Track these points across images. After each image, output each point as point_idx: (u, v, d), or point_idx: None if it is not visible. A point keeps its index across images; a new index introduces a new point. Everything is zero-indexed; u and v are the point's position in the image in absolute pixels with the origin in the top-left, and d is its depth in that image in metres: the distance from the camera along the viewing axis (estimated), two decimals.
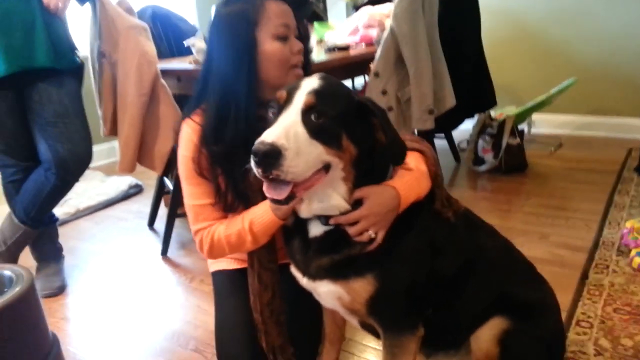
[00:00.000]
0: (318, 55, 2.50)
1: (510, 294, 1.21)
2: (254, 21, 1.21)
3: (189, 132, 1.28)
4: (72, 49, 1.93)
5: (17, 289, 1.17)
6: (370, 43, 2.83)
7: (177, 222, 2.42)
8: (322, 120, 0.96)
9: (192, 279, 2.11)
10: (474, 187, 3.07)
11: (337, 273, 1.09)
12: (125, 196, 3.13)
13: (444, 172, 3.27)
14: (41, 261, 2.11)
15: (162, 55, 2.89)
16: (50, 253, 2.12)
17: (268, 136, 0.91)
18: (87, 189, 3.15)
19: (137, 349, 1.70)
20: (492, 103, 3.14)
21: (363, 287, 1.08)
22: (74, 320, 1.90)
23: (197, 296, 1.97)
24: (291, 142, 0.91)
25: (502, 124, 3.18)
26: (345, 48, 2.74)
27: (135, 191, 3.20)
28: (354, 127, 1.01)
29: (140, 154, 2.10)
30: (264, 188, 0.96)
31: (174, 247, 2.40)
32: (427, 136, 3.05)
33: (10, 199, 2.01)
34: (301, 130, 0.94)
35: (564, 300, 1.78)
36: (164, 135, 2.07)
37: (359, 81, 3.79)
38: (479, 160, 3.31)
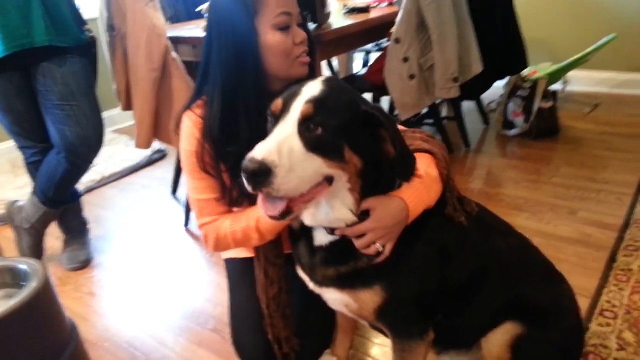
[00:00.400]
0: (336, 19, 2.39)
1: (524, 298, 1.17)
2: (253, 10, 1.12)
3: (190, 126, 1.22)
4: (78, 24, 1.86)
5: (34, 284, 1.20)
6: (391, 2, 2.69)
7: None
8: (321, 132, 0.89)
9: (212, 253, 2.14)
10: (502, 154, 2.97)
11: (343, 283, 1.06)
12: (149, 162, 3.16)
13: (472, 135, 3.18)
14: (68, 234, 2.17)
15: (180, 19, 2.82)
16: (76, 227, 2.17)
17: (258, 152, 0.86)
18: (113, 155, 3.18)
19: (159, 327, 1.75)
20: (524, 66, 2.97)
21: (370, 297, 1.05)
22: (99, 295, 1.97)
23: (216, 272, 2.00)
24: (284, 157, 0.86)
25: (534, 86, 3.02)
26: (365, 9, 2.60)
27: (159, 156, 3.22)
28: (358, 137, 0.93)
29: (156, 129, 2.08)
30: (258, 202, 0.93)
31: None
32: (453, 103, 2.94)
33: (33, 179, 2.03)
34: (297, 143, 0.88)
35: (588, 286, 1.74)
36: (179, 110, 2.04)
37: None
38: (508, 124, 3.18)
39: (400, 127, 1.26)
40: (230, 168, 1.18)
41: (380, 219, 0.99)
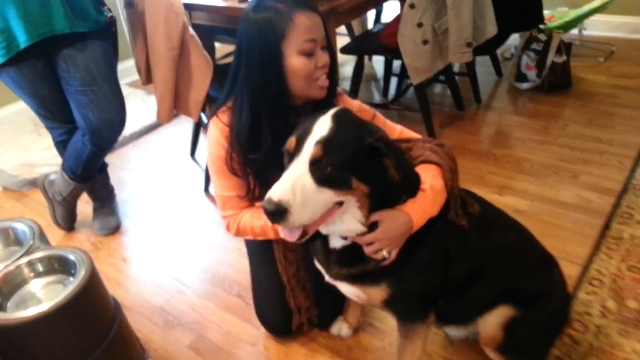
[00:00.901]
0: None
1: (518, 286, 1.31)
2: (281, 34, 1.19)
3: (217, 134, 1.33)
4: (95, 7, 1.88)
5: (83, 272, 1.36)
6: None
7: None
8: (330, 170, 1.00)
9: None
10: (512, 111, 3.01)
11: (354, 280, 1.21)
12: None
13: (484, 88, 3.21)
14: (97, 202, 2.32)
15: None
16: (104, 195, 2.32)
17: (275, 194, 0.98)
18: (130, 112, 3.22)
19: (188, 292, 1.93)
20: (539, 22, 2.94)
21: (378, 292, 1.21)
22: (130, 260, 2.14)
23: (237, 239, 2.13)
24: (297, 195, 0.98)
25: (548, 40, 3.00)
26: None
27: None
28: (364, 168, 1.04)
29: (176, 103, 2.17)
30: (279, 230, 1.06)
31: None
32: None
33: (62, 156, 2.16)
34: (308, 181, 0.99)
35: (581, 253, 1.88)
36: (197, 85, 2.12)
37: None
38: (521, 77, 3.20)
39: (410, 136, 1.36)
40: (254, 172, 1.30)
41: (387, 230, 1.12)
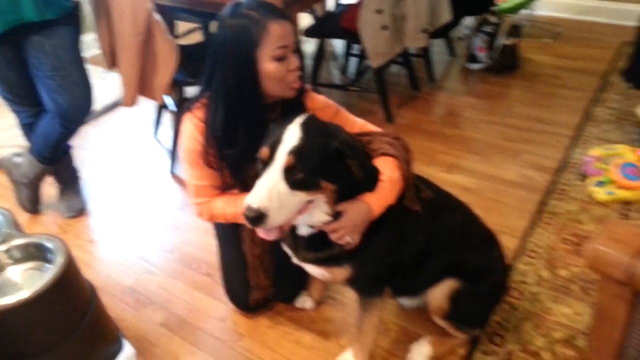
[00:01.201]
0: None
1: (463, 262, 1.47)
2: (256, 42, 1.27)
3: (192, 129, 1.41)
4: None
5: (61, 258, 1.43)
6: None
7: None
8: (302, 176, 1.12)
9: None
10: (463, 91, 3.18)
11: (320, 262, 1.35)
12: None
13: (438, 68, 3.37)
14: (62, 184, 2.34)
15: None
16: (69, 177, 2.35)
17: (254, 201, 1.09)
18: None
19: (157, 272, 2.02)
20: (490, 5, 3.09)
21: (341, 272, 1.35)
22: (97, 242, 2.20)
23: None
24: (274, 201, 1.10)
25: (499, 23, 3.16)
26: None
27: None
28: (331, 170, 1.17)
29: (142, 87, 2.20)
30: (257, 231, 1.18)
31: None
32: None
33: (28, 139, 2.19)
34: (283, 187, 1.11)
35: (520, 227, 2.07)
36: (162, 69, 2.16)
37: None
38: (473, 58, 3.36)
39: (370, 130, 1.48)
40: (229, 165, 1.40)
41: (350, 219, 1.25)
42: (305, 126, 1.16)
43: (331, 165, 1.17)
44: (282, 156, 1.12)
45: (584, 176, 2.30)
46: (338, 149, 1.17)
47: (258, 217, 1.09)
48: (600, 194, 2.14)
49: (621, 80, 3.03)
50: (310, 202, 1.19)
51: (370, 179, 1.23)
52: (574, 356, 1.55)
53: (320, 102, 1.51)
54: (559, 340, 1.61)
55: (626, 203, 2.14)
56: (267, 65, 1.30)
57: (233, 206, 1.44)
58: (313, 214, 1.25)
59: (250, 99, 1.33)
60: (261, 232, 1.19)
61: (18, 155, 2.30)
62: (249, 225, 1.14)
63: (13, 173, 2.26)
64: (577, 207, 2.15)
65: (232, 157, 1.38)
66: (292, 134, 1.15)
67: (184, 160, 1.47)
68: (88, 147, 2.84)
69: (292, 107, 1.41)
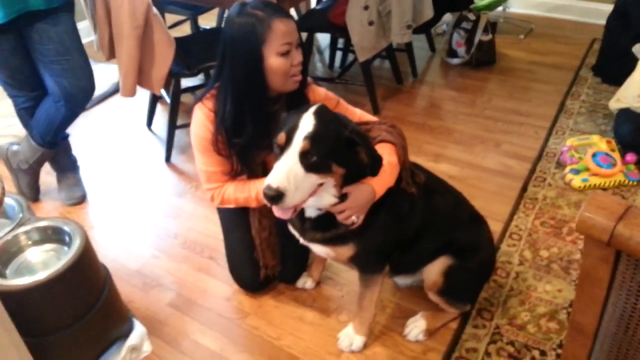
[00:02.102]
0: None
1: (455, 240, 1.60)
2: (261, 39, 1.38)
3: (203, 118, 1.51)
4: None
5: (78, 241, 1.50)
6: None
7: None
8: (316, 159, 1.23)
9: (197, 187, 2.44)
10: (444, 84, 3.32)
11: (326, 241, 1.46)
12: (117, 88, 3.27)
13: (419, 63, 3.49)
14: (60, 173, 2.39)
15: None
16: (67, 165, 2.39)
17: (273, 181, 1.20)
18: None
19: (162, 256, 2.09)
20: (469, 3, 3.24)
21: (346, 250, 1.47)
22: (100, 229, 2.26)
23: (204, 206, 2.32)
24: (291, 182, 1.20)
25: (477, 20, 3.31)
26: None
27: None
28: (341, 155, 1.28)
29: (140, 78, 2.26)
30: (274, 210, 1.28)
31: (175, 152, 2.68)
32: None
33: (25, 123, 2.23)
34: (299, 169, 1.22)
35: (502, 212, 2.22)
36: (160, 61, 2.22)
37: None
38: (452, 53, 3.50)
39: (369, 119, 1.60)
40: (237, 152, 1.50)
41: (355, 199, 1.36)
42: (318, 115, 1.27)
43: (342, 150, 1.28)
44: (298, 141, 1.23)
45: (560, 164, 2.47)
46: (348, 136, 1.28)
47: (277, 195, 1.19)
48: (576, 180, 2.31)
49: (591, 75, 3.23)
50: (320, 185, 1.30)
51: (375, 164, 1.35)
52: (556, 328, 1.70)
53: (322, 95, 1.62)
54: (543, 314, 1.76)
55: (600, 189, 2.31)
56: (273, 61, 1.40)
57: (243, 192, 1.55)
58: (322, 196, 1.35)
59: (257, 92, 1.44)
60: (277, 211, 1.29)
61: (14, 144, 2.34)
62: (267, 204, 1.23)
63: (11, 161, 2.30)
64: (555, 193, 2.31)
65: (240, 145, 1.49)
66: (307, 121, 1.25)
67: (195, 147, 1.56)
68: (82, 137, 2.87)
69: (295, 99, 1.52)
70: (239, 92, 1.44)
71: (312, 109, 1.28)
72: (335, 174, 1.30)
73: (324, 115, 1.28)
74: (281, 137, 1.25)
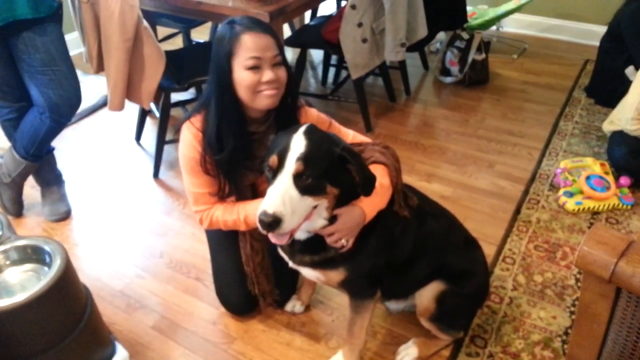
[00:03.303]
0: None
1: (448, 265, 1.56)
2: (230, 51, 1.37)
3: (190, 138, 1.47)
4: None
5: (59, 261, 1.44)
6: None
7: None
8: (310, 181, 1.19)
9: (184, 204, 2.39)
10: (437, 103, 3.30)
11: (316, 265, 1.41)
12: (106, 101, 3.22)
13: (412, 81, 3.48)
14: (44, 187, 2.33)
15: None
16: (52, 179, 2.33)
17: (269, 206, 1.15)
18: None
19: (146, 276, 2.03)
20: (464, 22, 3.25)
21: (336, 275, 1.42)
22: (84, 246, 2.20)
23: (191, 224, 2.27)
24: (287, 206, 1.16)
25: (470, 39, 3.31)
26: None
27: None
28: (335, 174, 1.24)
29: (128, 92, 2.22)
30: (270, 236, 1.24)
31: (163, 168, 2.63)
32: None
33: (9, 135, 2.18)
34: (294, 192, 1.18)
35: (496, 235, 2.19)
36: (150, 75, 2.19)
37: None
38: (445, 71, 3.50)
39: (362, 140, 1.56)
40: (224, 172, 1.45)
41: (345, 222, 1.32)
42: (308, 134, 1.23)
43: (335, 170, 1.24)
44: (291, 163, 1.19)
45: (554, 187, 2.45)
46: (341, 154, 1.25)
47: (274, 221, 1.15)
48: (570, 203, 2.29)
49: (584, 96, 3.23)
50: (314, 207, 1.25)
51: (368, 186, 1.31)
52: (551, 357, 1.66)
53: (314, 116, 1.59)
54: (537, 342, 1.72)
55: (594, 213, 2.28)
56: (239, 74, 1.39)
57: (232, 214, 1.50)
58: (313, 219, 1.31)
59: (230, 104, 1.42)
60: (274, 238, 1.25)
61: None
62: (263, 231, 1.19)
63: None
64: (548, 216, 2.28)
65: (224, 162, 1.45)
66: (298, 142, 1.21)
67: (183, 167, 1.52)
68: (68, 150, 2.81)
69: (285, 121, 1.48)
70: (216, 105, 1.42)
71: (302, 129, 1.24)
72: (330, 194, 1.26)
73: (314, 134, 1.25)
74: (273, 159, 1.21)
